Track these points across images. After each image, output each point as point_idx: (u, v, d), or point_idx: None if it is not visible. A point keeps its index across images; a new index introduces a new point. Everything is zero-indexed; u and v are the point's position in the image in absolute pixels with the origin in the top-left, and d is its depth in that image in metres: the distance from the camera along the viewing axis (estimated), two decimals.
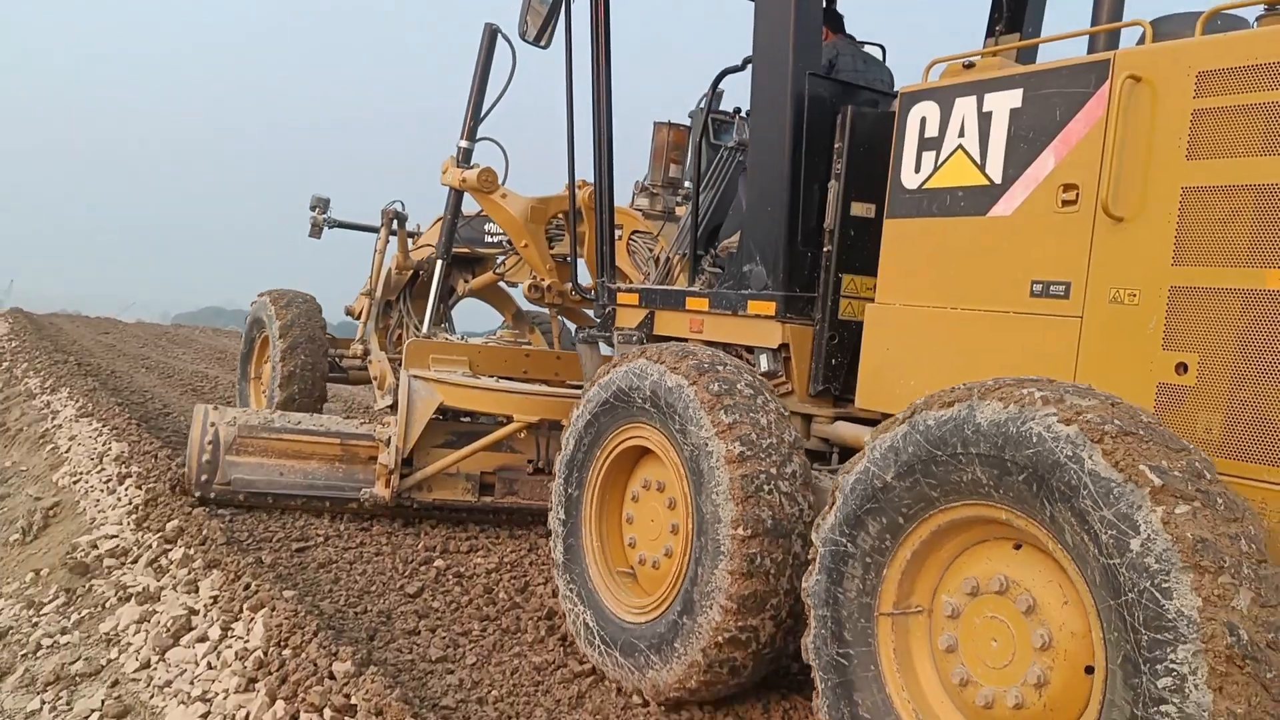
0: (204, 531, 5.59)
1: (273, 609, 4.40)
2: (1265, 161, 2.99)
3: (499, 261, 7.70)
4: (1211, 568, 2.41)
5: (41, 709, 4.51)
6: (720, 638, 3.63)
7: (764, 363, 4.52)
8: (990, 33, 5.20)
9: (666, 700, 3.98)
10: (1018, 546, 3.00)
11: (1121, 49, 3.46)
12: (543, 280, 6.62)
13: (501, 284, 8.03)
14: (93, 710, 4.28)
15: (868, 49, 5.73)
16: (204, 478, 6.16)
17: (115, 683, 4.49)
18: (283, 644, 4.12)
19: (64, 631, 5.19)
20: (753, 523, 3.59)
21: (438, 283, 6.95)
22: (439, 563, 5.65)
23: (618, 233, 6.24)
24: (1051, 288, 3.51)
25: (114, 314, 33.59)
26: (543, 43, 5.54)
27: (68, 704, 4.48)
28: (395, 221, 8.04)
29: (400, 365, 6.68)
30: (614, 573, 4.36)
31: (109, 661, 4.72)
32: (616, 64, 5.39)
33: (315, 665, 3.89)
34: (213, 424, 6.20)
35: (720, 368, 3.96)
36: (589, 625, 4.31)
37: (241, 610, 4.54)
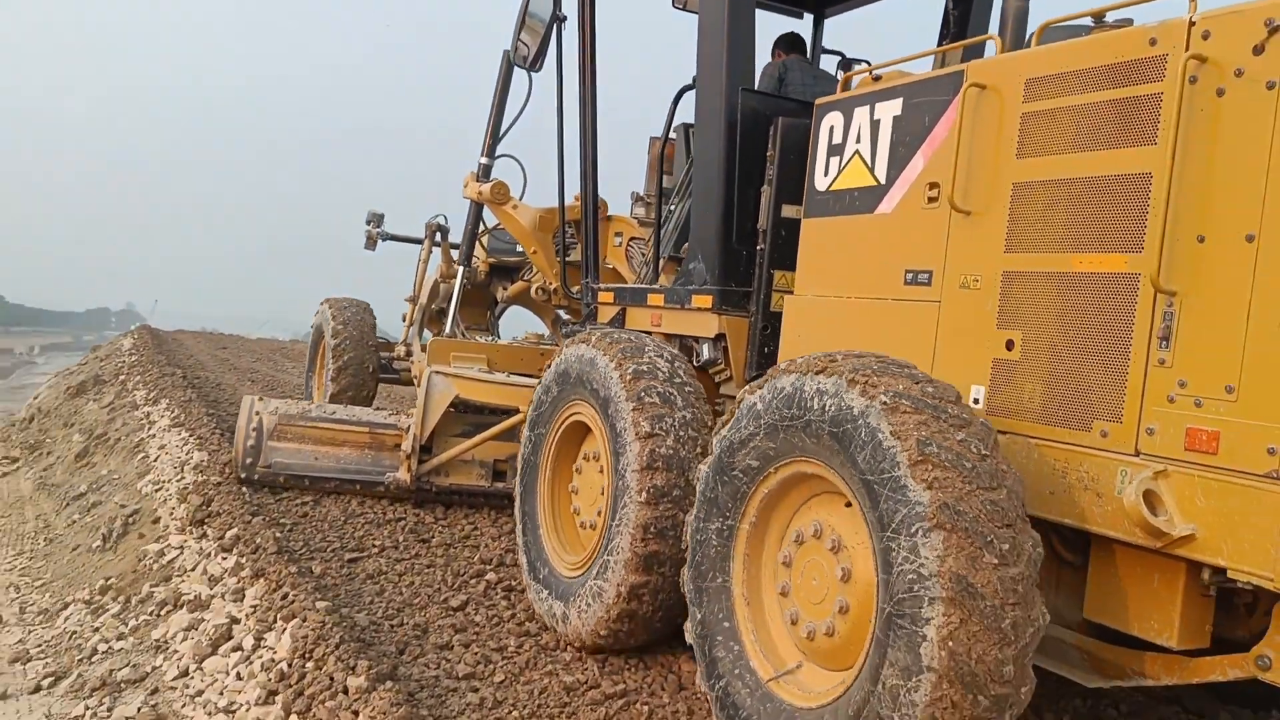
0: (257, 540, 5.57)
1: (303, 619, 4.33)
2: (1074, 158, 3.34)
3: (528, 268, 8.31)
4: (906, 408, 3.00)
5: (84, 715, 4.63)
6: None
7: (705, 351, 4.97)
8: (940, 45, 5.56)
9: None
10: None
11: (974, 61, 3.83)
12: (550, 284, 7.19)
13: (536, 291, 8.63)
14: (128, 718, 4.38)
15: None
16: (249, 460, 6.91)
17: (155, 690, 4.60)
18: (306, 656, 4.06)
19: (120, 637, 5.36)
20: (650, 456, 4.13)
21: (458, 288, 7.60)
22: (491, 576, 5.52)
23: (618, 239, 6.78)
24: (919, 276, 3.89)
25: (246, 331, 35.52)
26: (535, 68, 6.13)
27: (108, 710, 4.61)
28: (438, 234, 8.74)
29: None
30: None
31: (153, 669, 4.80)
32: (621, 82, 5.93)
33: (331, 679, 3.81)
34: (257, 412, 6.95)
35: (632, 340, 4.46)
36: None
37: (275, 620, 4.50)
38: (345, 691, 3.72)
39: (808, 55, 5.80)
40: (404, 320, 9.55)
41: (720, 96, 4.83)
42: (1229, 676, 3.08)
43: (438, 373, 6.88)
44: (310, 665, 3.97)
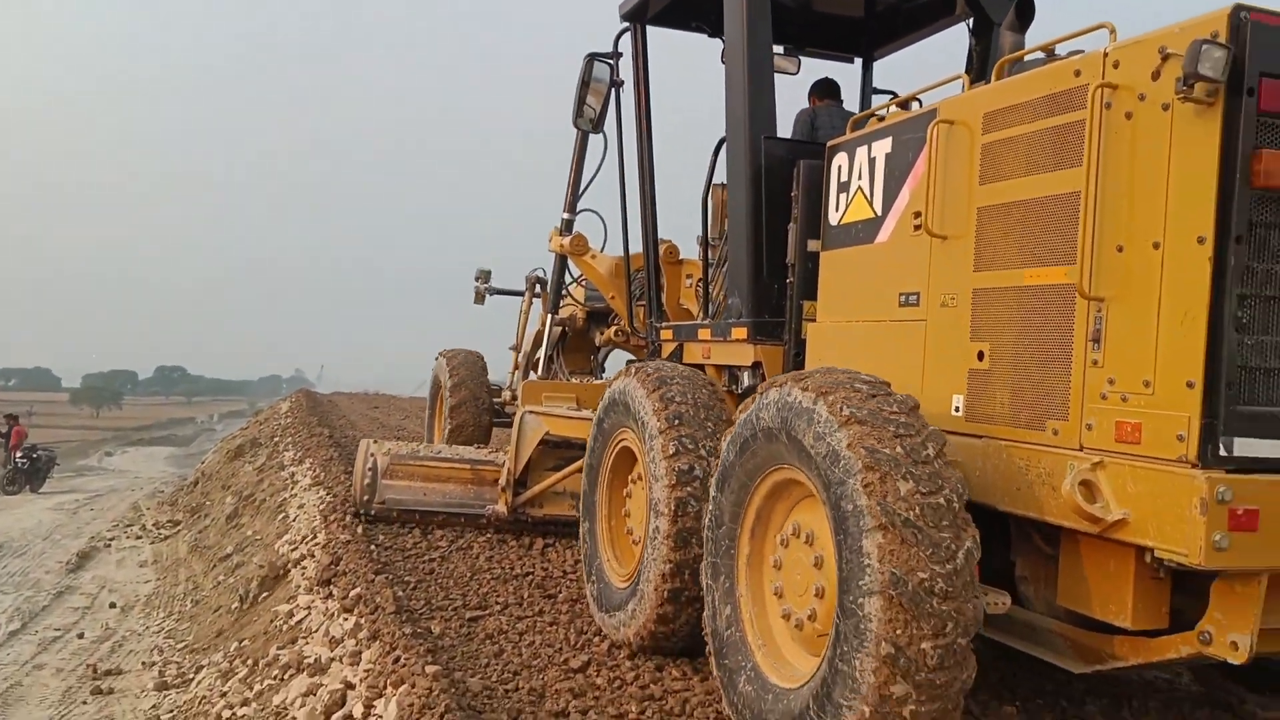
0: (377, 599, 5.45)
1: (411, 685, 4.13)
2: (1023, 181, 3.66)
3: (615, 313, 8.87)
4: (860, 419, 3.36)
5: None
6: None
7: (745, 378, 5.39)
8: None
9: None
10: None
11: (944, 99, 4.19)
12: (638, 327, 7.71)
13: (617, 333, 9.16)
14: None
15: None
16: (366, 498, 7.66)
17: None
18: None
19: (244, 702, 5.36)
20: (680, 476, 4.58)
21: (548, 335, 8.23)
22: None
23: (689, 280, 7.26)
24: (909, 298, 4.24)
25: (403, 391, 37.27)
26: (598, 130, 6.73)
27: None
28: (537, 285, 9.42)
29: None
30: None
31: None
32: (684, 137, 6.43)
33: None
34: (372, 454, 7.72)
35: (662, 370, 4.93)
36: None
37: (385, 686, 4.34)
38: None
39: (842, 100, 6.18)
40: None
41: (744, 145, 5.29)
42: (1182, 654, 3.30)
43: (530, 412, 7.49)
44: None
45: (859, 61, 7.04)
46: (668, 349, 6.29)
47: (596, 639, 5.20)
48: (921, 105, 4.66)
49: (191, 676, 6.56)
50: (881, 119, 4.76)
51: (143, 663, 7.44)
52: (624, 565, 5.21)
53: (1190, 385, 2.99)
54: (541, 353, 8.48)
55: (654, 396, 4.76)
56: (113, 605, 9.97)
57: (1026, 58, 3.97)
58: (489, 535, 7.43)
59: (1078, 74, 3.43)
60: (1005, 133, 3.75)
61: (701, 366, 5.91)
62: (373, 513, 7.68)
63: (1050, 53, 3.83)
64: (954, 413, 3.94)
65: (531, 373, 9.81)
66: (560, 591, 6.19)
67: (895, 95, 6.87)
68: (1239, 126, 2.93)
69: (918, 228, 4.17)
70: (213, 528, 12.21)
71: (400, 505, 7.66)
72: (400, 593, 5.79)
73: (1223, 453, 2.95)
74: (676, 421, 4.63)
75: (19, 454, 24.34)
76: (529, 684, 4.55)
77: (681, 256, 7.44)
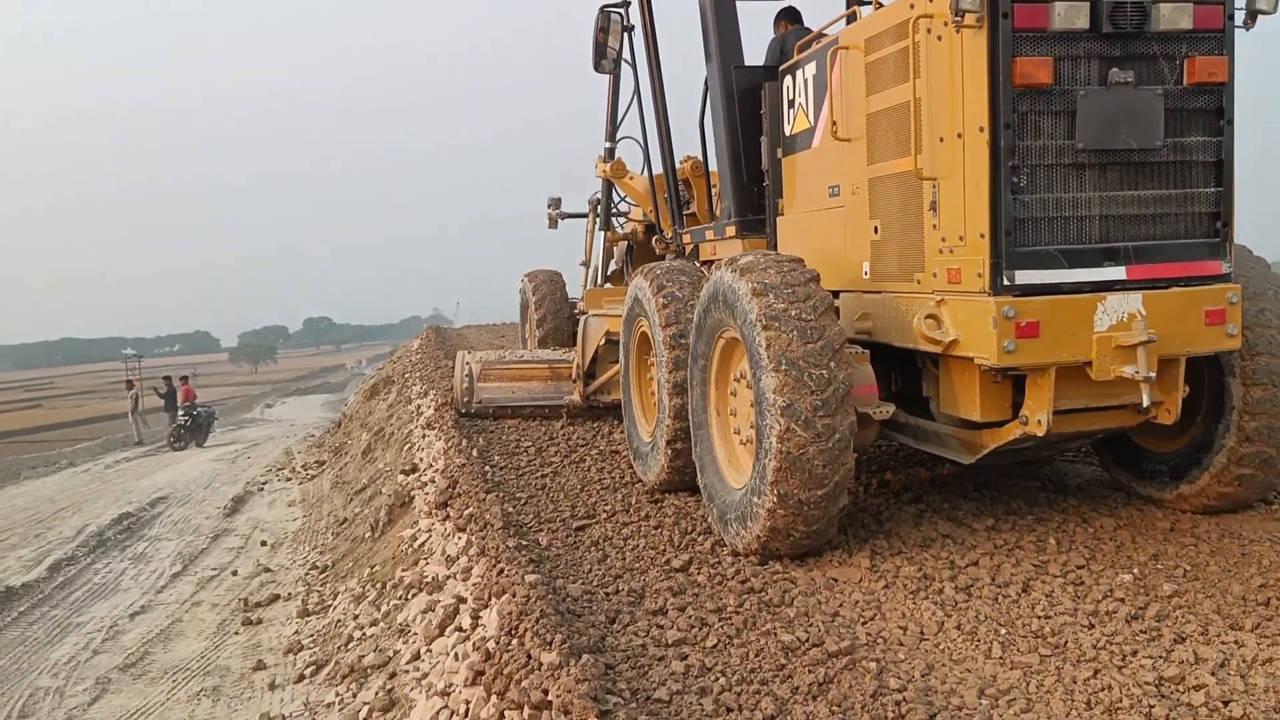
0: (486, 517, 5.53)
1: (512, 595, 4.16)
2: (889, 92, 4.74)
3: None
4: (760, 289, 4.48)
5: (335, 701, 4.84)
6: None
7: None
8: (848, 4, 6.89)
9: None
10: None
11: (845, 27, 5.24)
12: (667, 235, 8.91)
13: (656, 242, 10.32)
14: (365, 704, 4.55)
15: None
16: (465, 399, 9.20)
17: (393, 674, 4.71)
18: (512, 633, 3.86)
19: (373, 623, 5.64)
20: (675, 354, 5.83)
21: (602, 248, 9.52)
22: None
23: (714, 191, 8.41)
24: (833, 190, 5.37)
25: None
26: (615, 71, 7.89)
27: (354, 695, 4.81)
28: (599, 207, 10.68)
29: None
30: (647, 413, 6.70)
31: (394, 653, 4.89)
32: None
33: (529, 656, 3.60)
34: (467, 363, 9.24)
35: (663, 268, 6.18)
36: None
37: (490, 598, 4.41)
38: (541, 668, 3.48)
39: (803, 23, 7.16)
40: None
41: (718, 74, 6.41)
42: (1017, 434, 4.45)
43: (593, 314, 8.85)
44: (514, 642, 3.78)
45: None
46: (690, 251, 7.53)
47: (701, 538, 5.23)
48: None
49: (330, 603, 7.11)
50: (823, 38, 5.82)
51: (289, 593, 8.02)
52: (649, 423, 6.56)
53: (983, 236, 4.10)
54: (601, 265, 9.79)
55: (654, 289, 6.03)
56: (264, 543, 10.78)
57: None
58: (601, 448, 7.78)
59: (912, 6, 4.47)
60: (878, 54, 4.82)
61: (701, 264, 7.13)
62: (473, 411, 9.21)
63: None
64: (864, 276, 5.09)
65: (608, 284, 11.14)
66: (666, 498, 6.13)
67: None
68: (1000, 41, 3.99)
69: (834, 134, 5.28)
70: (351, 464, 12.97)
71: (494, 403, 9.17)
72: (511, 509, 6.01)
73: (1007, 283, 4.07)
74: (670, 307, 5.90)
75: (180, 413, 26.28)
76: (629, 585, 4.59)
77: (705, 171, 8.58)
